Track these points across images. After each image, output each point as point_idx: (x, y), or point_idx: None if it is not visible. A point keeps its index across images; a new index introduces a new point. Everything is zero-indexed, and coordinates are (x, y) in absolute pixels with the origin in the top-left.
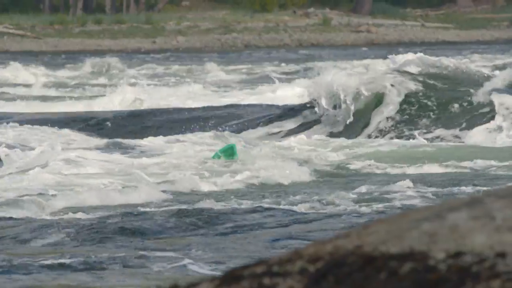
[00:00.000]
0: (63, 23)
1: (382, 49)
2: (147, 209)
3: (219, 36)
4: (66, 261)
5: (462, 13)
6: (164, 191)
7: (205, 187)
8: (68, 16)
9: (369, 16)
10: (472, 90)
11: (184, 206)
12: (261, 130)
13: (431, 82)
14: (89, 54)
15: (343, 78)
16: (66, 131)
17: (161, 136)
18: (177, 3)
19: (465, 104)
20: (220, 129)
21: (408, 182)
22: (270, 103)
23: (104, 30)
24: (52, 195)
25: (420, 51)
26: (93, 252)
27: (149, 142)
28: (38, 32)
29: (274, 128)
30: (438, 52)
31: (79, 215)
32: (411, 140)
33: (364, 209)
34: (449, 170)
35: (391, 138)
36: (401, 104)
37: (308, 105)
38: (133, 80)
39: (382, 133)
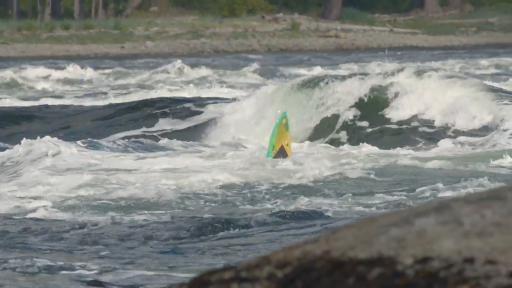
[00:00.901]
0: (31, 29)
1: (350, 54)
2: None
3: (188, 42)
4: None
5: (430, 19)
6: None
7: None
8: (36, 22)
9: (338, 21)
10: None
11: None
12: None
13: None
14: (58, 59)
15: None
16: None
17: None
18: (145, 8)
19: None
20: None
21: None
22: None
23: (73, 36)
24: None
25: (388, 56)
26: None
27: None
28: (6, 37)
29: None
30: (406, 57)
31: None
32: None
33: None
34: None
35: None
36: None
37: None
38: None
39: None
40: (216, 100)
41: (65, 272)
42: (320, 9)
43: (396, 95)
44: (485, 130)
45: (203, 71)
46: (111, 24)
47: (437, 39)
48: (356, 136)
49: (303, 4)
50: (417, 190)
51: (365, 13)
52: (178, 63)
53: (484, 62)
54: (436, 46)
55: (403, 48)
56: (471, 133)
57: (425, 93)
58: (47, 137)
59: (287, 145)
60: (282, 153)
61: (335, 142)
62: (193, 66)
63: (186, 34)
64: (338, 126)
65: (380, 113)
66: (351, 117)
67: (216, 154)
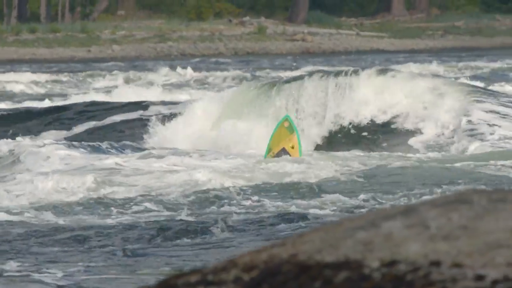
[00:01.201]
0: None
1: (317, 58)
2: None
3: (155, 45)
4: None
5: (396, 22)
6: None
7: None
8: (2, 25)
9: (305, 24)
10: None
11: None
12: None
13: None
14: (24, 63)
15: None
16: None
17: None
18: (112, 12)
19: None
20: None
21: None
22: None
23: (39, 39)
24: None
25: (355, 60)
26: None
27: None
28: None
29: None
30: (372, 61)
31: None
32: None
33: None
34: None
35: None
36: None
37: None
38: None
39: None
40: (165, 103)
41: (27, 277)
42: (287, 13)
43: (356, 93)
44: (450, 129)
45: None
46: (78, 28)
47: (404, 42)
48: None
49: (270, 7)
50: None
51: (332, 16)
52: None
53: (461, 64)
54: (402, 50)
55: (370, 51)
56: (436, 133)
57: (387, 92)
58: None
59: (292, 147)
60: (284, 155)
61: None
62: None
63: (153, 38)
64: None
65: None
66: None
67: (186, 155)
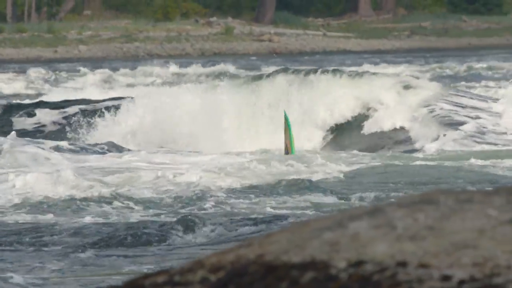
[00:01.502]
0: None
1: (284, 58)
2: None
3: (121, 45)
4: None
5: (363, 23)
6: None
7: None
8: None
9: (271, 25)
10: None
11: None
12: None
13: None
14: None
15: None
16: None
17: None
18: (78, 12)
19: None
20: None
21: None
22: None
23: (5, 39)
24: None
25: (322, 60)
26: None
27: None
28: None
29: None
30: (339, 61)
31: None
32: None
33: None
34: None
35: None
36: None
37: None
38: None
39: None
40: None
41: None
42: (253, 13)
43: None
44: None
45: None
46: (44, 28)
47: (370, 43)
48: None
49: (237, 8)
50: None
51: (298, 17)
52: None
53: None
54: (369, 50)
55: (336, 52)
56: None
57: (337, 90)
58: None
59: (289, 143)
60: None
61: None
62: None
63: (119, 38)
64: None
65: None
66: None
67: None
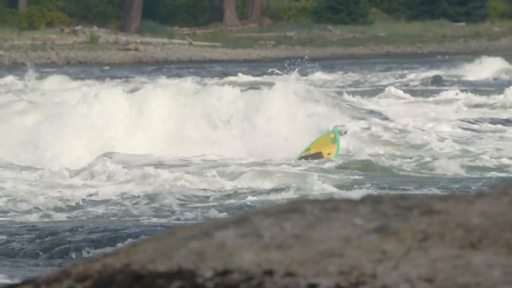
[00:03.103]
0: None
1: (150, 67)
2: None
3: None
4: None
5: (229, 32)
6: None
7: None
8: None
9: (137, 34)
10: None
11: None
12: None
13: None
14: None
15: None
16: None
17: None
18: None
19: None
20: None
21: None
22: None
23: None
24: None
25: (188, 69)
26: None
27: None
28: None
29: None
30: (205, 70)
31: None
32: None
33: None
34: None
35: None
36: None
37: None
38: None
39: None
40: None
41: None
42: (119, 22)
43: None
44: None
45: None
46: None
47: (237, 52)
48: None
49: (102, 17)
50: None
51: (164, 26)
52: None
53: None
54: (235, 59)
55: (203, 61)
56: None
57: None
58: None
59: (329, 154)
60: (316, 157)
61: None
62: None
63: None
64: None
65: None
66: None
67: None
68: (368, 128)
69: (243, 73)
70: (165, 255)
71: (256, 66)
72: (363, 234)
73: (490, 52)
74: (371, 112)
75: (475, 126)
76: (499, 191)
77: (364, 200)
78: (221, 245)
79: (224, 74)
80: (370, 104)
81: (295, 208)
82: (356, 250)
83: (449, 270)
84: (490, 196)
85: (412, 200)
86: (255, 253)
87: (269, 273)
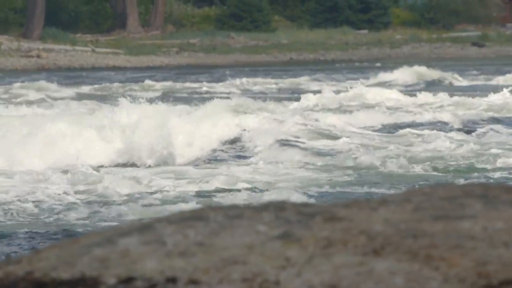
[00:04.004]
0: None
1: (53, 74)
2: None
3: None
4: None
5: (132, 39)
6: None
7: None
8: None
9: (40, 41)
10: None
11: None
12: None
13: None
14: None
15: None
16: None
17: None
18: None
19: None
20: None
21: None
22: None
23: None
24: None
25: (91, 77)
26: None
27: None
28: None
29: None
30: (107, 77)
31: None
32: None
33: None
34: None
35: None
36: None
37: None
38: None
39: None
40: None
41: None
42: (21, 29)
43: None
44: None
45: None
46: None
47: (140, 59)
48: None
49: (4, 23)
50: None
51: (67, 33)
52: None
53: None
54: (138, 67)
55: (106, 68)
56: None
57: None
58: None
59: None
60: None
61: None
62: None
63: None
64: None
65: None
66: None
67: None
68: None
69: (151, 79)
70: (68, 263)
71: (160, 72)
72: (266, 241)
73: (393, 60)
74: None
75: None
76: (402, 198)
77: (267, 207)
78: (124, 252)
79: (131, 81)
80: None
81: (198, 215)
82: (259, 257)
83: (352, 277)
84: (393, 203)
85: (315, 207)
86: (158, 260)
87: (172, 280)
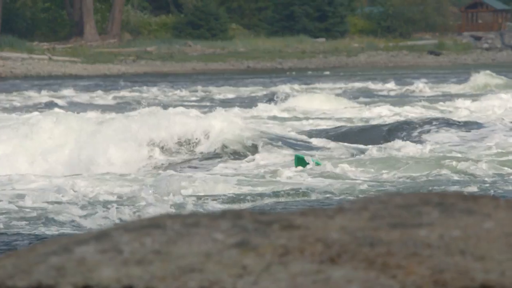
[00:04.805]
0: None
1: (8, 83)
2: None
3: None
4: None
5: (89, 47)
6: None
7: None
8: None
9: None
10: None
11: None
12: None
13: None
14: None
15: None
16: None
17: None
18: None
19: None
20: None
21: None
22: None
23: None
24: None
25: (48, 85)
26: None
27: None
28: None
29: None
30: (63, 85)
31: None
32: None
33: None
34: None
35: None
36: None
37: None
38: None
39: None
40: None
41: None
42: None
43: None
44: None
45: None
46: None
47: (97, 67)
48: None
49: None
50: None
51: (24, 41)
52: None
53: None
54: (95, 75)
55: (63, 76)
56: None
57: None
58: None
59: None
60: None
61: None
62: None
63: None
64: None
65: None
66: None
67: None
68: None
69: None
70: (24, 271)
71: (114, 81)
72: (223, 249)
73: (349, 68)
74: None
75: None
76: (358, 206)
77: (224, 215)
78: (81, 260)
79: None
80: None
81: (155, 223)
82: (217, 265)
83: (309, 285)
84: (349, 211)
85: (272, 215)
86: (114, 268)
87: None
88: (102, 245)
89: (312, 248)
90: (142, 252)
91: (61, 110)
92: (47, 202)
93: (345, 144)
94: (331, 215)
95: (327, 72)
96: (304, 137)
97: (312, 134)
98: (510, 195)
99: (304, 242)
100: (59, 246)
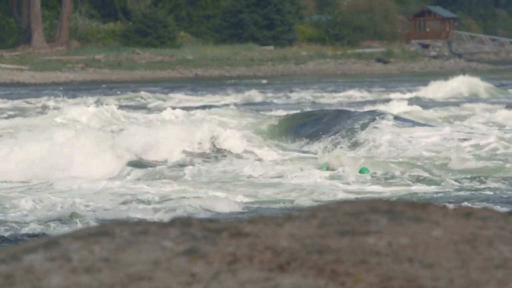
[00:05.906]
0: None
1: None
2: None
3: None
4: None
5: (37, 55)
6: None
7: None
8: None
9: None
10: None
11: None
12: None
13: None
14: None
15: None
16: None
17: None
18: None
19: None
20: None
21: None
22: None
23: None
24: None
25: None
26: None
27: None
28: None
29: None
30: (14, 93)
31: None
32: None
33: None
34: None
35: None
36: None
37: None
38: None
39: None
40: None
41: None
42: None
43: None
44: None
45: None
46: None
47: (45, 75)
48: None
49: None
50: None
51: None
52: None
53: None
54: (43, 83)
55: (11, 84)
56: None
57: None
58: None
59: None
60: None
61: None
62: None
63: None
64: None
65: None
66: None
67: None
68: None
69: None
70: None
71: (66, 89)
72: (172, 257)
73: (298, 76)
74: None
75: None
76: (307, 213)
77: (173, 222)
78: (29, 268)
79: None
80: None
81: (104, 231)
82: (165, 273)
83: None
84: (298, 218)
85: (221, 223)
86: (63, 276)
87: None
88: (50, 253)
89: (261, 256)
90: (91, 260)
91: None
92: None
93: None
94: (280, 223)
95: (264, 81)
96: None
97: None
98: (458, 201)
99: (253, 250)
100: (7, 254)
